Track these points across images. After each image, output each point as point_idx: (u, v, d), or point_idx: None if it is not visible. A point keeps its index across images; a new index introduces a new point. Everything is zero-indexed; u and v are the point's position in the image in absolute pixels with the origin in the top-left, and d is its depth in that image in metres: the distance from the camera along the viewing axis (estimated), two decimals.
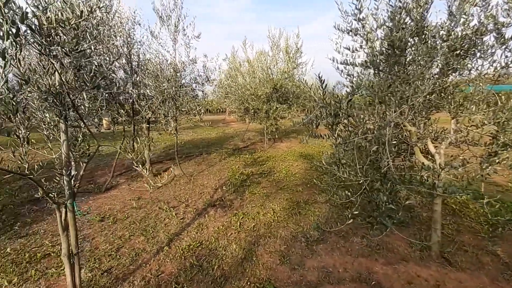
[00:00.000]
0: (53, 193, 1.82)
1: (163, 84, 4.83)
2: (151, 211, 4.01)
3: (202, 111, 5.30)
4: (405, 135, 2.79)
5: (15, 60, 1.28)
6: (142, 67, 5.25)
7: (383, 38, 2.08)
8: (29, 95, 1.73)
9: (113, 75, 4.62)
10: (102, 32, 3.63)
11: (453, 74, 2.25)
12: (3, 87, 1.26)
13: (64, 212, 1.87)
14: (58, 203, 1.81)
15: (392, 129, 2.27)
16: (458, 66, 2.07)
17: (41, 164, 1.65)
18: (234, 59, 9.79)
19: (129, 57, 5.15)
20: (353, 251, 2.82)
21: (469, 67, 2.21)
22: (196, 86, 5.27)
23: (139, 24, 5.40)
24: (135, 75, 5.19)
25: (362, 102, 2.99)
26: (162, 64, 5.20)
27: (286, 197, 4.45)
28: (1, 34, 1.17)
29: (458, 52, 2.08)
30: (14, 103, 1.42)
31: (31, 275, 2.54)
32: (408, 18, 2.05)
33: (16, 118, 1.51)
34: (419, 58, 2.02)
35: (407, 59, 2.25)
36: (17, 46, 1.26)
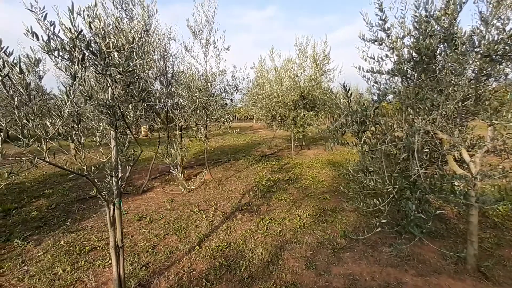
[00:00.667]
0: (104, 192, 2.08)
1: (195, 94, 5.16)
2: (183, 213, 4.27)
3: (231, 118, 5.53)
4: (437, 143, 2.70)
5: (81, 80, 1.54)
6: (176, 79, 5.66)
7: (410, 46, 2.09)
8: (85, 107, 2.03)
9: (151, 86, 5.06)
10: (145, 50, 4.03)
11: (488, 80, 2.17)
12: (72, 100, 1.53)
13: (112, 209, 2.12)
14: (107, 201, 2.08)
15: (422, 137, 2.24)
16: (492, 72, 2.00)
17: (97, 166, 1.91)
18: (261, 67, 10.05)
19: (164, 70, 5.59)
20: (381, 260, 2.76)
21: (506, 72, 2.12)
22: (225, 95, 5.53)
23: (174, 39, 5.87)
24: (170, 86, 5.62)
25: (390, 110, 2.97)
26: (194, 75, 5.56)
27: (313, 204, 4.46)
28: (73, 60, 1.43)
29: (492, 57, 2.01)
30: (77, 115, 1.70)
31: (81, 265, 2.87)
32: (436, 25, 2.04)
33: (79, 127, 1.79)
34: (449, 65, 2.00)
35: (437, 67, 2.22)
36: (83, 68, 1.52)
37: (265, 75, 9.63)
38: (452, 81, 1.97)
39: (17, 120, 1.30)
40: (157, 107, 5.77)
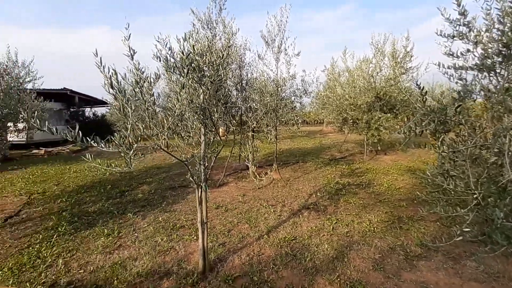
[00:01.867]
0: (194, 177, 2.60)
1: (266, 98, 5.57)
2: (254, 206, 4.69)
3: (300, 121, 5.72)
4: None
5: (185, 88, 2.05)
6: (250, 85, 6.22)
7: (496, 39, 1.87)
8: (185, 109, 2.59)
9: (228, 92, 5.74)
10: (228, 62, 4.67)
11: None
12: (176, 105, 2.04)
13: (200, 191, 2.63)
14: (197, 184, 2.58)
15: None
16: None
17: (192, 155, 2.42)
18: (333, 69, 9.87)
19: (240, 77, 6.23)
20: (463, 274, 2.48)
21: None
22: (294, 99, 5.77)
23: (249, 50, 6.45)
24: (244, 92, 6.21)
25: (478, 109, 2.65)
26: (266, 81, 6.00)
27: (386, 211, 4.22)
28: (181, 74, 1.93)
29: None
30: (181, 115, 2.22)
31: (173, 238, 3.56)
32: None
33: (181, 124, 2.32)
34: None
35: None
36: (187, 79, 2.02)
37: (336, 78, 9.42)
38: None
39: (147, 118, 1.85)
40: (233, 110, 6.46)
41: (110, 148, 1.85)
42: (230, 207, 4.66)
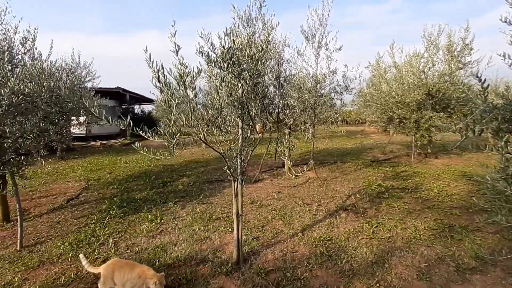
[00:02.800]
0: (231, 169, 2.66)
1: (305, 95, 5.45)
2: (288, 203, 4.64)
3: (339, 118, 5.49)
4: None
5: (225, 82, 2.10)
6: (288, 82, 6.14)
7: None
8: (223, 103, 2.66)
9: (266, 87, 5.73)
10: (266, 57, 4.68)
11: None
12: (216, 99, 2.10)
13: (236, 184, 2.68)
14: (233, 176, 2.64)
15: None
16: None
17: (230, 147, 2.48)
18: (378, 65, 9.26)
19: (278, 74, 6.18)
20: None
21: None
22: (334, 95, 5.55)
23: (288, 46, 6.37)
24: (282, 88, 6.15)
25: None
26: (304, 78, 5.87)
27: (435, 218, 3.84)
28: (222, 67, 1.98)
29: None
30: (220, 108, 2.28)
31: (210, 228, 3.70)
32: None
33: (220, 117, 2.39)
34: None
35: None
36: (227, 73, 2.06)
37: (382, 74, 8.81)
38: None
39: (189, 110, 1.94)
40: (270, 107, 6.45)
41: (156, 138, 1.99)
42: (265, 203, 4.68)
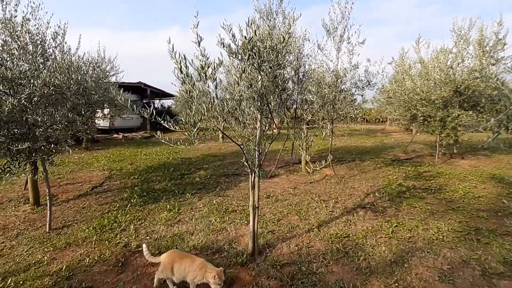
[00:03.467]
0: (249, 162, 2.67)
1: (324, 90, 5.34)
2: (304, 199, 4.60)
3: (360, 114, 5.34)
4: None
5: (245, 73, 2.10)
6: (307, 77, 6.04)
7: None
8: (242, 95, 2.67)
9: (285, 79, 5.66)
10: (287, 50, 4.63)
11: None
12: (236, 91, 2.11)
13: (253, 176, 2.69)
14: (251, 168, 2.65)
15: None
16: None
17: (248, 138, 2.49)
18: (402, 61, 8.88)
19: (297, 69, 6.09)
20: None
21: None
22: (355, 91, 5.39)
23: (308, 40, 6.25)
24: (300, 83, 6.06)
25: None
26: (324, 72, 5.74)
27: (460, 220, 3.66)
28: (242, 59, 1.98)
29: None
30: (240, 99, 2.29)
31: (226, 220, 3.75)
32: None
33: (239, 108, 2.40)
34: None
35: None
36: (247, 64, 2.06)
37: (406, 70, 8.45)
38: None
39: (211, 101, 1.97)
40: (288, 102, 6.39)
41: (177, 128, 2.03)
42: (281, 198, 4.67)
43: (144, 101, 20.66)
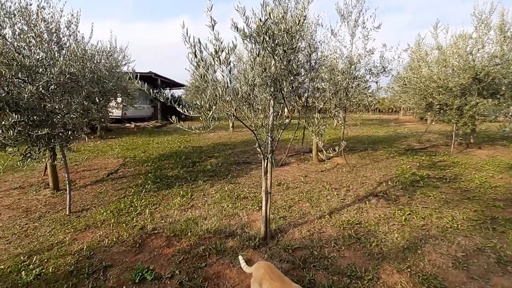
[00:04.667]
0: (262, 148, 2.68)
1: (337, 77, 5.22)
2: (315, 187, 4.60)
3: (374, 102, 5.23)
4: None
5: (259, 57, 2.08)
6: (319, 63, 5.91)
7: None
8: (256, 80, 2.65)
9: (299, 64, 5.53)
10: (301, 34, 4.52)
11: None
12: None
13: (266, 162, 2.70)
14: (264, 154, 2.66)
15: None
16: None
17: (262, 124, 2.49)
18: (418, 47, 8.55)
19: (309, 56, 5.97)
20: None
21: None
22: (370, 78, 5.26)
23: (322, 25, 6.09)
24: (312, 71, 5.95)
25: None
26: (337, 59, 5.61)
27: (475, 209, 3.59)
28: (256, 42, 1.96)
29: None
30: (253, 84, 2.28)
31: (237, 206, 3.80)
32: None
33: (253, 93, 2.39)
34: None
35: None
36: (262, 47, 2.04)
37: (423, 56, 8.14)
38: None
39: (225, 85, 1.97)
40: (299, 90, 6.30)
41: (191, 112, 2.05)
42: (292, 186, 4.69)
43: (155, 90, 20.85)
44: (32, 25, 3.62)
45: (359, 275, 2.24)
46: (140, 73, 16.73)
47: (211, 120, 1.93)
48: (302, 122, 6.44)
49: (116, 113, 14.90)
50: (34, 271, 2.37)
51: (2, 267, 2.44)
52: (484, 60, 6.95)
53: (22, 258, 2.58)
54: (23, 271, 2.36)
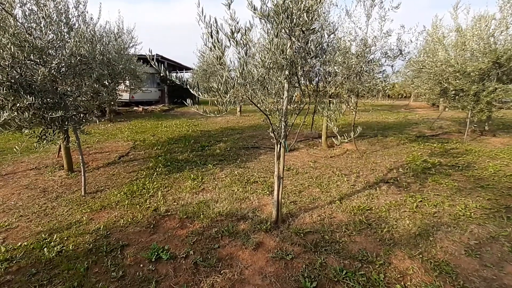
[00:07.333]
0: (275, 132, 2.65)
1: (351, 60, 5.05)
2: (325, 173, 4.59)
3: (388, 86, 5.07)
4: None
5: (277, 38, 2.00)
6: (332, 46, 5.71)
7: None
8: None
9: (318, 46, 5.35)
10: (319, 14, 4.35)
11: None
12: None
13: (279, 147, 2.69)
14: (277, 139, 2.64)
15: None
16: None
17: (277, 108, 2.45)
18: (435, 29, 8.15)
19: (321, 39, 5.75)
20: None
21: None
22: (385, 61, 5.07)
23: (336, 5, 5.83)
24: (324, 54, 5.76)
25: None
26: (352, 41, 5.40)
27: (489, 197, 3.54)
28: (273, 23, 1.88)
29: None
30: (269, 67, 2.21)
31: (248, 190, 3.84)
32: None
33: (269, 75, 2.34)
34: None
35: None
36: (280, 28, 1.96)
37: (440, 39, 7.77)
38: None
39: (242, 66, 1.92)
40: (310, 74, 6.15)
41: (206, 96, 2.03)
42: (301, 171, 4.69)
43: (162, 74, 20.71)
44: (42, 4, 3.56)
45: (370, 260, 2.27)
46: (146, 55, 16.57)
47: (228, 104, 1.90)
48: (312, 107, 6.34)
49: (125, 96, 14.94)
50: (55, 248, 2.47)
51: (26, 243, 2.55)
52: (508, 43, 6.60)
53: (43, 235, 2.69)
54: (45, 248, 2.46)
